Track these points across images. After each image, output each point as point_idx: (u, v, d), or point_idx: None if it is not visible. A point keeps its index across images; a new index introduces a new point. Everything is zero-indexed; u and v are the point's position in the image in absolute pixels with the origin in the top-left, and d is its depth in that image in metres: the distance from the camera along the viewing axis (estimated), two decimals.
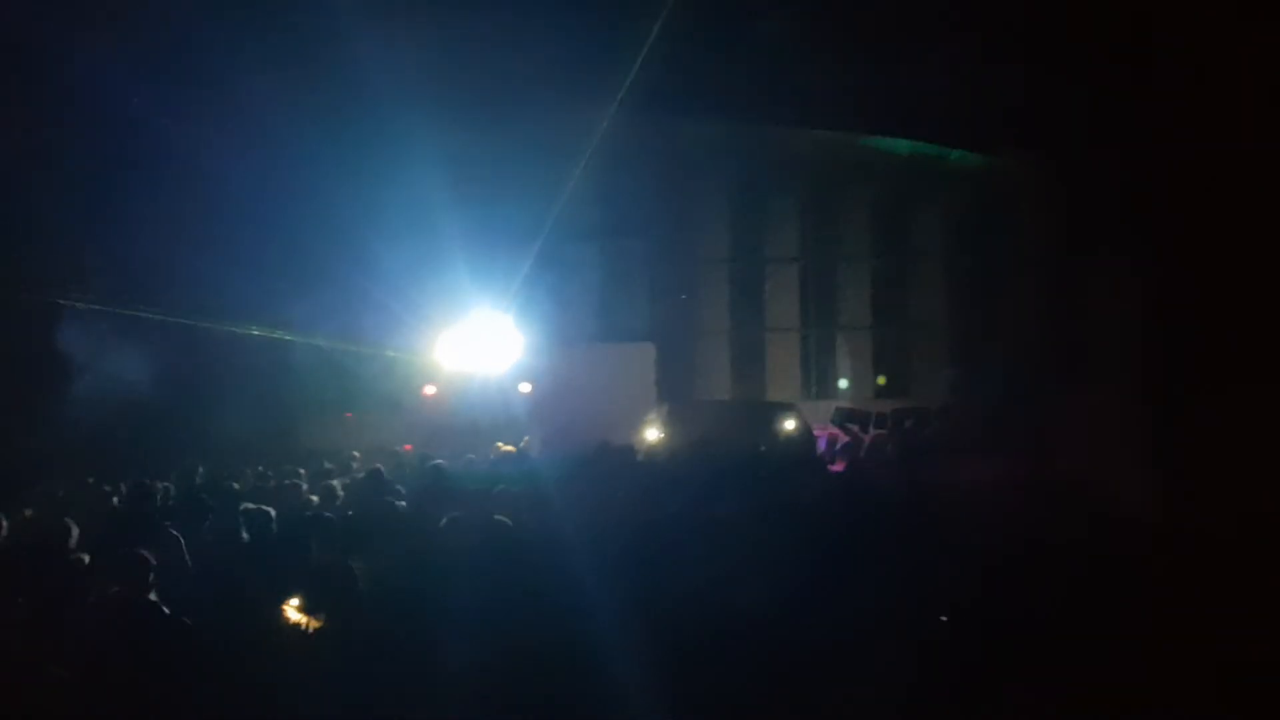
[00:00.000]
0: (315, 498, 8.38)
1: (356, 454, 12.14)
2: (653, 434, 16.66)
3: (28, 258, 14.59)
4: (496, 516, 6.00)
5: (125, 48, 12.33)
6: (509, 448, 13.62)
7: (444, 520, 5.71)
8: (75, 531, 6.03)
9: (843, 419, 16.04)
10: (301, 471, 9.94)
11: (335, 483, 9.10)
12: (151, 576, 4.40)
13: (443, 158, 15.42)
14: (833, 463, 12.55)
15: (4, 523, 6.71)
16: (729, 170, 21.15)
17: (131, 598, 4.32)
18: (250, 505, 6.83)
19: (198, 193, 14.69)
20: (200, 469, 10.61)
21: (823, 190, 21.65)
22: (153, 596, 4.38)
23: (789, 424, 15.18)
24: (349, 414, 17.38)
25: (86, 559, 5.29)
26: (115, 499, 8.86)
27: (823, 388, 21.24)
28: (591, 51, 14.10)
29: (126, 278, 15.43)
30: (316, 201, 15.53)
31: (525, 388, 18.71)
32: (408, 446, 14.99)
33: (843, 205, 21.80)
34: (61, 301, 15.02)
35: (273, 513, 6.50)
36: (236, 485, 9.46)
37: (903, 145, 18.71)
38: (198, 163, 13.84)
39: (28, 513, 7.69)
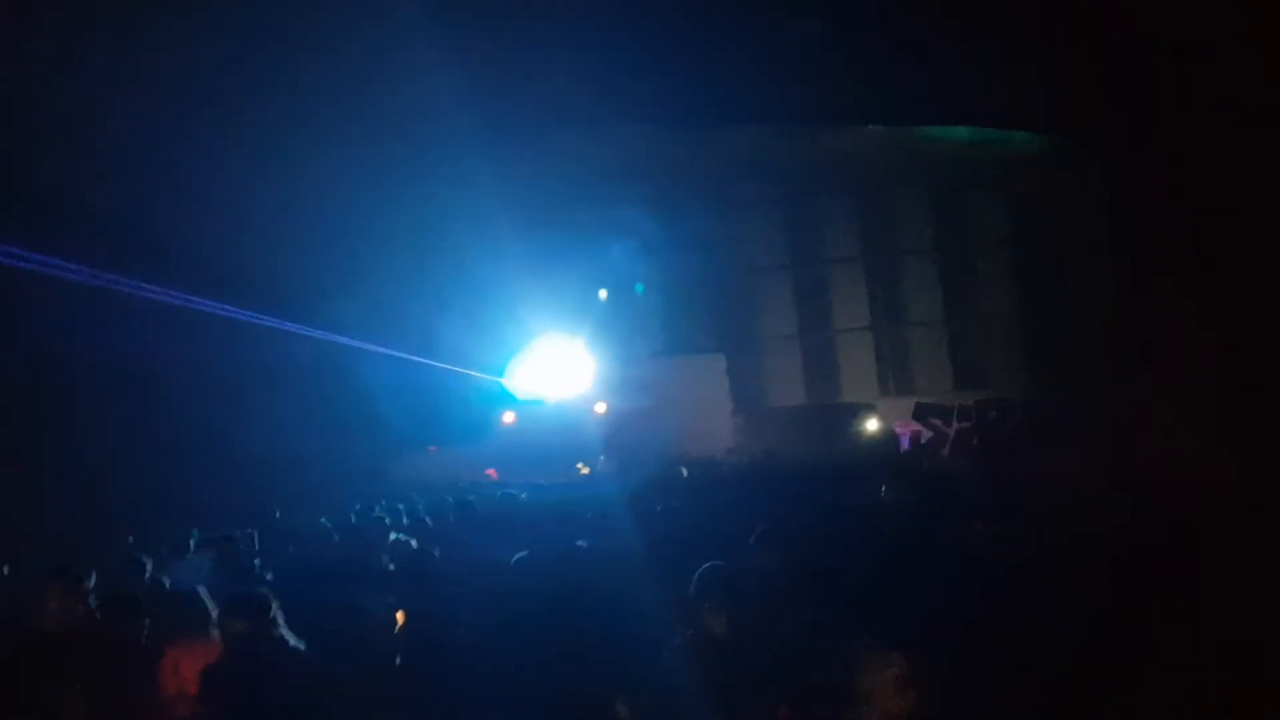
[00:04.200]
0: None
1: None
2: (728, 445, 16.70)
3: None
4: (579, 543, 6.15)
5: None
6: (586, 469, 13.79)
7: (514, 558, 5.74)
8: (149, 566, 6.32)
9: (925, 414, 15.92)
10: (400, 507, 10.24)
11: (427, 518, 9.34)
12: (273, 613, 4.64)
13: (503, 187, 15.71)
14: (919, 459, 12.46)
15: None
16: (782, 174, 21.10)
17: (260, 633, 4.57)
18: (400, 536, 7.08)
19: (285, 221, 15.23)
20: (278, 513, 10.97)
21: (880, 185, 21.47)
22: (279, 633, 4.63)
23: (868, 424, 15.12)
24: (433, 447, 17.68)
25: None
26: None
27: (900, 385, 21.03)
28: (636, 65, 14.22)
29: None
30: (384, 232, 15.95)
31: (600, 408, 18.89)
32: (491, 471, 15.23)
33: (903, 199, 21.61)
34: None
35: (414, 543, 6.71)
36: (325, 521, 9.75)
37: (960, 133, 18.48)
38: (289, 196, 14.35)
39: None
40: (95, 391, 15.10)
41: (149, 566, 6.52)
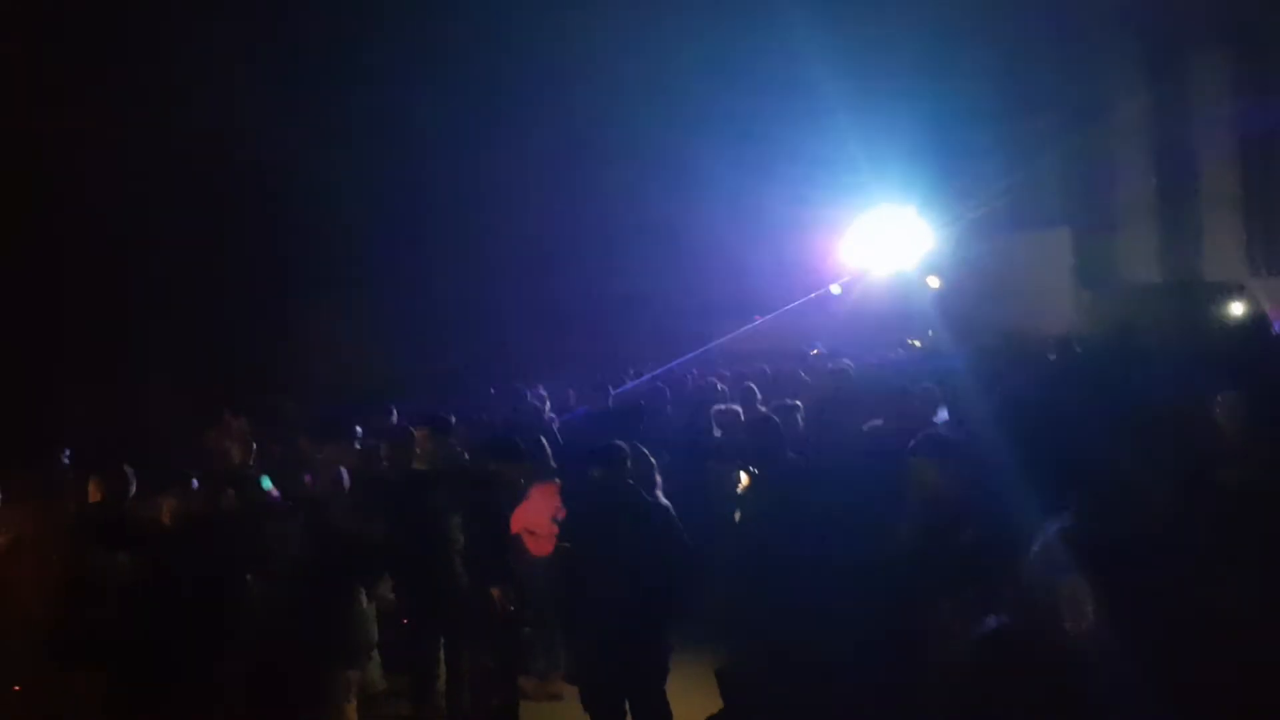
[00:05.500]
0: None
1: None
2: (1071, 324, 15.71)
3: None
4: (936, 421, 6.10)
5: None
6: (917, 343, 13.48)
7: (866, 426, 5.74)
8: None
9: None
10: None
11: (752, 385, 9.54)
12: (629, 463, 4.96)
13: (839, 53, 15.38)
14: None
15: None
16: (1145, 22, 18.99)
17: (613, 481, 4.92)
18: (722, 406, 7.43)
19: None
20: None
21: (1261, 33, 18.75)
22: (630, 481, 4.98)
23: (1236, 305, 13.71)
24: (758, 317, 17.86)
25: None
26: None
27: (1274, 263, 18.75)
28: None
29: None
30: (722, 107, 16.27)
31: (933, 281, 18.28)
32: (816, 351, 15.23)
33: None
34: None
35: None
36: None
37: None
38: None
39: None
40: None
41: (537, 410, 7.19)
